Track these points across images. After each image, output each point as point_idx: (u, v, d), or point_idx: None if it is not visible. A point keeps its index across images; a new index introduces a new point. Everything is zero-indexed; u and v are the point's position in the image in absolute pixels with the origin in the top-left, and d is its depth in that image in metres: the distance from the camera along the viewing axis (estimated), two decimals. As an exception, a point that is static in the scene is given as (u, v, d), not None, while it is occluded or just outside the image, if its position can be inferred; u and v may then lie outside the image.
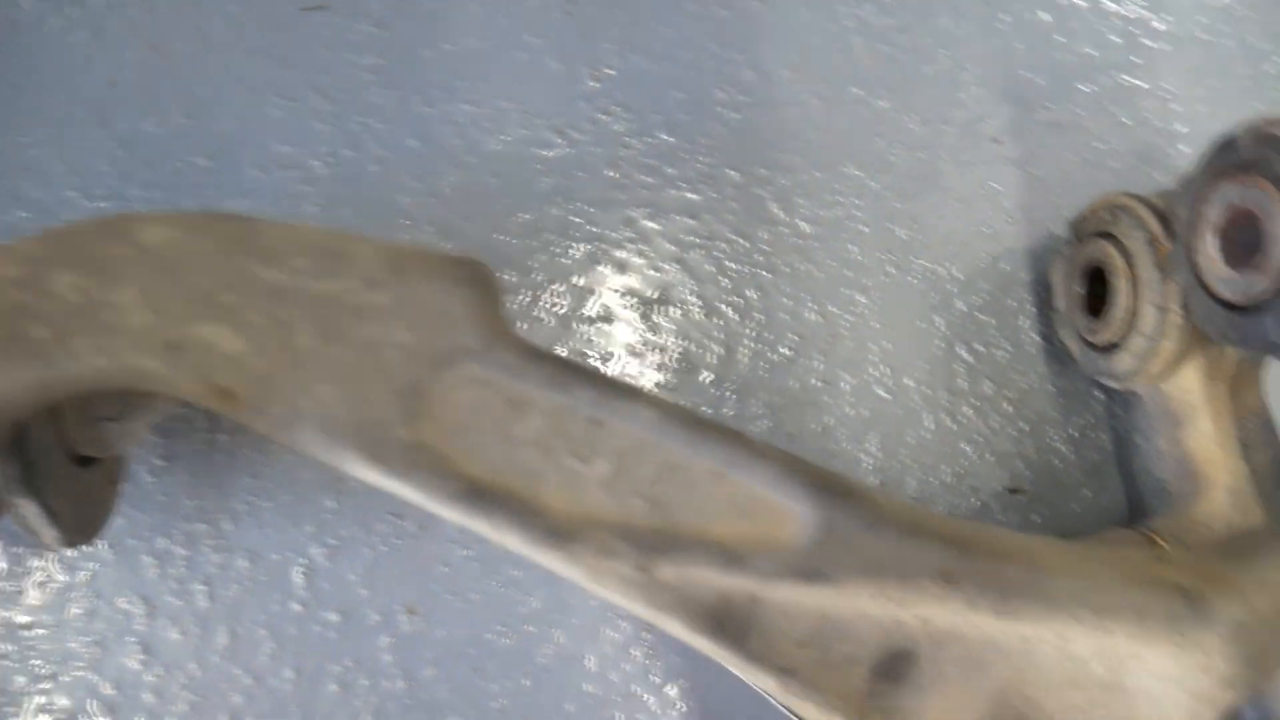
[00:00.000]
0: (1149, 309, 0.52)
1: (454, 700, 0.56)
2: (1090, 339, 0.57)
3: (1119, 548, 0.46)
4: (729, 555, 0.37)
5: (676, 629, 0.39)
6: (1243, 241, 0.47)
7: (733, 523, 0.38)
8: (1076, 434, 0.62)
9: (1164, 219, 0.52)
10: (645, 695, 0.57)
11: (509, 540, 0.36)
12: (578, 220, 0.59)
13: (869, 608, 0.39)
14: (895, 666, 0.41)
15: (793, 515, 0.38)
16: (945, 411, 0.61)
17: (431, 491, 0.35)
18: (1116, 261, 0.54)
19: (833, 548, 0.38)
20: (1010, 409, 0.61)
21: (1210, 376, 0.53)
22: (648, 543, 0.37)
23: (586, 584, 0.38)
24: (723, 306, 0.60)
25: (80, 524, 0.43)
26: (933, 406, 0.60)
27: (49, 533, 0.40)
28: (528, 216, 0.59)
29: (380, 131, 0.59)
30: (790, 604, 0.39)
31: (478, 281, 0.37)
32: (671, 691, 0.57)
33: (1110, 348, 0.55)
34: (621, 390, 0.38)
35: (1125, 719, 0.42)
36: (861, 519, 0.39)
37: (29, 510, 0.38)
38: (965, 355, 0.62)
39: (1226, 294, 0.47)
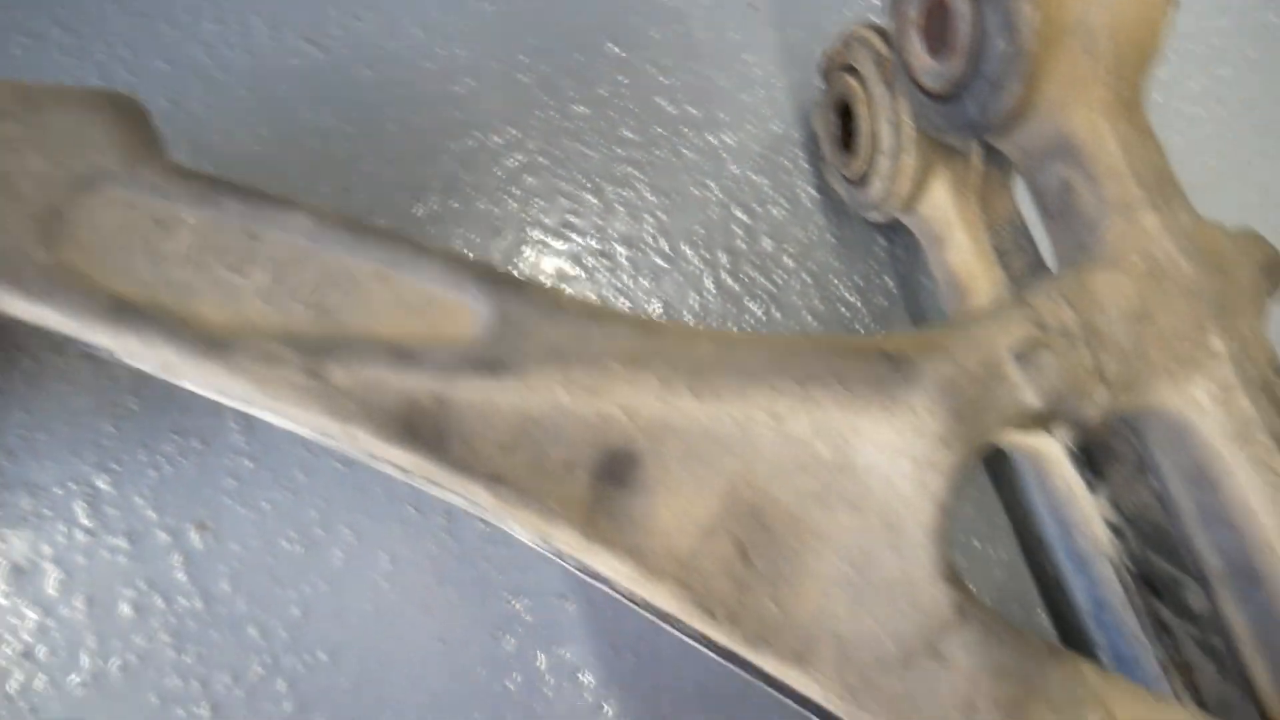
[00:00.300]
0: (884, 126, 0.53)
1: (253, 611, 0.55)
2: (848, 175, 0.57)
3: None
4: (401, 352, 0.37)
5: (370, 441, 0.38)
6: (938, 30, 0.47)
7: (403, 321, 0.38)
8: (862, 281, 0.62)
9: (887, 37, 0.53)
10: (442, 587, 0.56)
11: (165, 355, 0.35)
12: (335, 123, 0.59)
13: (565, 400, 0.39)
14: (617, 469, 0.41)
15: (465, 309, 0.38)
16: (727, 272, 0.60)
17: (75, 312, 0.35)
18: (856, 90, 0.54)
19: (510, 337, 0.38)
20: (792, 263, 0.61)
21: (958, 190, 0.54)
22: (314, 346, 0.36)
23: (263, 400, 0.37)
24: (497, 193, 0.60)
25: None
26: (714, 268, 0.60)
27: None
28: (284, 126, 0.59)
29: (127, 58, 0.59)
30: (482, 403, 0.38)
31: (117, 108, 0.37)
32: (468, 579, 0.56)
33: (864, 178, 0.55)
34: (276, 202, 0.37)
35: (860, 498, 0.42)
36: (537, 307, 0.38)
37: None
38: (742, 216, 0.62)
39: (933, 86, 0.48)
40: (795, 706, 0.43)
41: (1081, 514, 0.53)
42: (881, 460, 0.41)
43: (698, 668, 0.57)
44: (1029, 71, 0.43)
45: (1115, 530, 0.52)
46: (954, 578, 0.41)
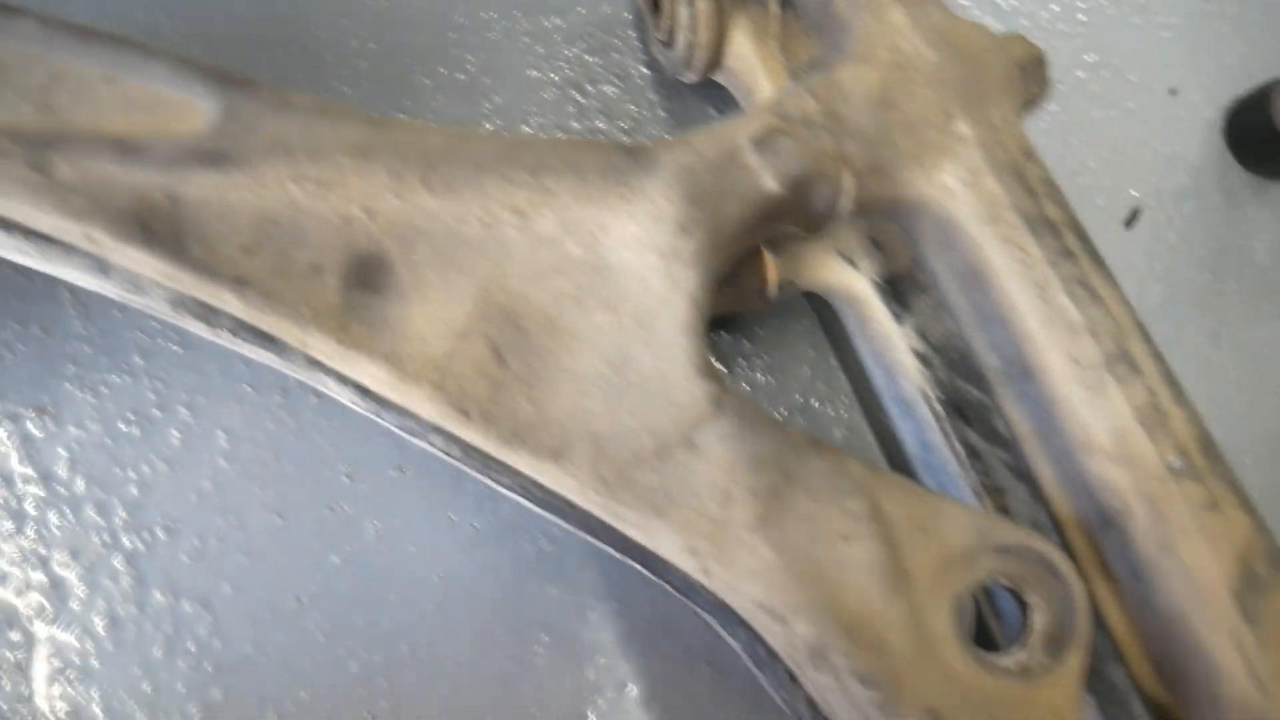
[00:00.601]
0: (677, -26, 0.53)
1: (91, 492, 0.56)
2: (661, 37, 0.58)
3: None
4: (126, 147, 0.38)
5: (108, 243, 0.39)
6: None
7: (131, 119, 0.39)
8: (695, 152, 0.62)
9: (679, -111, 0.54)
10: (279, 463, 0.57)
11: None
12: (165, 20, 0.61)
13: (299, 197, 0.40)
14: (368, 274, 0.41)
15: (193, 106, 0.39)
16: (559, 148, 0.61)
17: None
18: (657, -52, 0.55)
19: (235, 130, 0.39)
20: (626, 140, 0.62)
21: (759, 38, 0.54)
22: (38, 141, 0.37)
23: (-9, 199, 0.38)
24: (327, 79, 0.61)
25: None
26: (545, 145, 0.61)
27: None
28: (117, 25, 0.60)
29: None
30: (216, 200, 0.39)
31: None
32: (304, 454, 0.57)
33: (671, 35, 0.56)
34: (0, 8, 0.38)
35: (613, 297, 0.42)
36: (266, 104, 0.39)
37: None
38: (577, 96, 0.62)
39: (700, -86, 0.48)
40: (559, 521, 0.43)
41: (899, 355, 0.53)
42: (631, 257, 0.41)
43: (539, 533, 0.57)
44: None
45: (923, 360, 0.51)
46: (709, 371, 0.42)
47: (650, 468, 0.41)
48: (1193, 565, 0.39)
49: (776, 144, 0.41)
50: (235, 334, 0.42)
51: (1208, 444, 0.40)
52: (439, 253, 0.41)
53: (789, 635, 0.40)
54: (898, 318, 0.52)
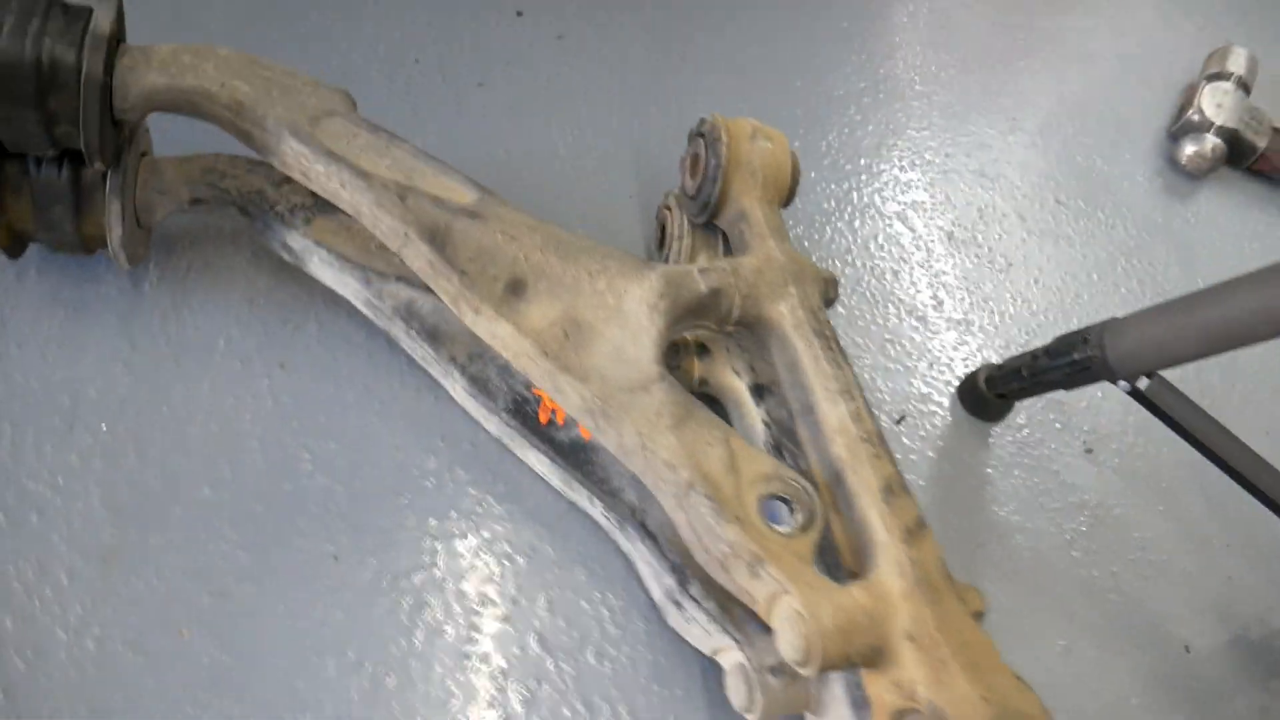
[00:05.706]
0: (675, 227, 1.08)
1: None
2: (666, 251, 1.11)
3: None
4: (437, 200, 0.89)
5: (413, 237, 0.88)
6: (691, 166, 1.04)
7: (441, 187, 0.90)
8: (663, 324, 1.13)
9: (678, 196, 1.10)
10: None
11: (342, 177, 0.87)
12: None
13: (501, 242, 0.90)
14: (517, 288, 0.90)
15: (463, 191, 0.90)
16: (591, 305, 1.12)
17: (313, 152, 0.87)
18: (665, 214, 1.11)
19: (483, 206, 0.90)
20: (627, 309, 1.13)
21: (709, 250, 1.08)
22: (403, 189, 0.88)
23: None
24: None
25: None
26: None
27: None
28: None
29: None
30: (465, 233, 0.89)
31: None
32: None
33: (668, 252, 1.09)
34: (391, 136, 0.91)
35: (622, 320, 0.91)
36: (496, 198, 0.91)
37: None
38: (605, 284, 1.15)
39: (690, 190, 1.04)
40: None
41: (754, 421, 1.01)
42: (634, 305, 0.91)
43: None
44: (725, 178, 1.00)
45: (765, 424, 0.99)
46: (662, 361, 0.90)
47: (626, 394, 0.87)
48: (873, 513, 0.84)
49: (708, 273, 0.93)
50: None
51: (883, 440, 0.88)
52: (550, 287, 0.91)
53: (675, 478, 0.84)
54: (756, 403, 1.00)
